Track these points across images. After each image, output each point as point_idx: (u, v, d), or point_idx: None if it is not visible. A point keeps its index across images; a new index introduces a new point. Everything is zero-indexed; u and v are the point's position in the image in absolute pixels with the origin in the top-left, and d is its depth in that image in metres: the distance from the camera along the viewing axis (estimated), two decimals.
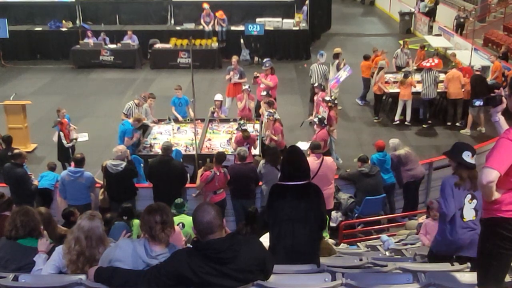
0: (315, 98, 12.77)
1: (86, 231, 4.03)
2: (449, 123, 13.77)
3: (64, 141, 10.96)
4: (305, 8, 21.89)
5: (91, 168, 9.56)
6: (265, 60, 14.21)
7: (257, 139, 10.98)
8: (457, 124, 13.68)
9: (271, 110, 11.26)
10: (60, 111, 11.27)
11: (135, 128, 10.62)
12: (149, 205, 3.79)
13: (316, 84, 13.00)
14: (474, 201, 4.83)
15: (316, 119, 10.86)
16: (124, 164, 8.83)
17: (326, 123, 10.79)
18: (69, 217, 7.27)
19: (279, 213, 4.42)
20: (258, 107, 12.71)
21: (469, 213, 4.86)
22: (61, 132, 10.91)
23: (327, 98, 11.79)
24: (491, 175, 3.38)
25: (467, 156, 4.84)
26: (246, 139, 10.24)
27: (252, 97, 12.53)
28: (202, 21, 20.30)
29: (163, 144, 9.42)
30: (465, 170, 4.85)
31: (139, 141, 11.02)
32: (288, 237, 4.38)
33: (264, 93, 12.33)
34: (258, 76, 13.34)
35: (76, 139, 11.32)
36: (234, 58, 14.12)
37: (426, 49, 18.08)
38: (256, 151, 10.57)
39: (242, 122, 11.27)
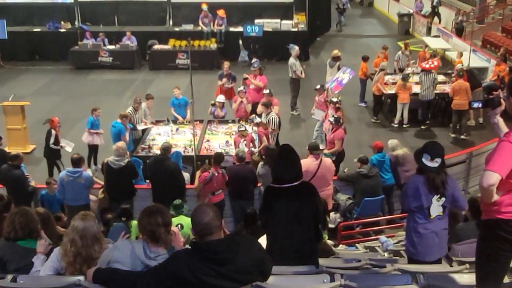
0: (316, 98, 12.79)
1: (80, 231, 4.02)
2: (453, 135, 13.35)
3: (52, 139, 10.83)
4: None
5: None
6: (253, 61, 14.32)
7: (255, 139, 10.98)
8: (462, 137, 13.23)
9: (250, 117, 11.69)
10: (96, 110, 11.46)
11: (125, 125, 10.83)
12: (146, 207, 3.76)
13: (318, 87, 13.02)
14: (443, 199, 4.81)
15: (332, 119, 10.81)
16: (126, 159, 8.93)
17: (342, 122, 10.76)
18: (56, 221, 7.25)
19: (275, 215, 4.42)
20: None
21: (436, 210, 4.82)
22: (52, 130, 10.87)
23: (335, 100, 11.75)
24: (492, 178, 3.37)
25: (425, 159, 4.80)
26: (242, 137, 10.35)
27: (248, 99, 12.54)
28: (200, 22, 20.29)
29: (162, 144, 9.49)
30: (425, 173, 4.81)
31: (140, 138, 11.28)
32: (285, 239, 4.37)
33: (267, 91, 12.33)
34: (247, 78, 13.37)
35: (62, 147, 11.12)
36: (226, 64, 13.99)
37: (430, 51, 18.06)
38: (255, 149, 10.59)
39: (240, 124, 11.21)
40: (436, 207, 4.82)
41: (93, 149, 11.56)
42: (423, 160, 4.80)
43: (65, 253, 3.99)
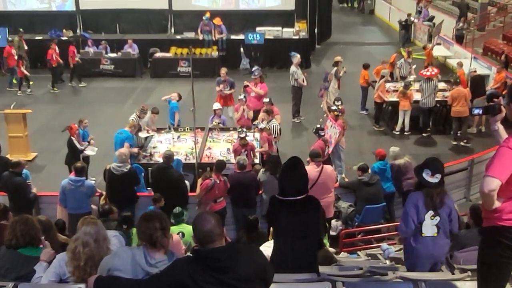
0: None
1: (94, 234, 4.08)
2: (454, 143, 13.38)
3: (78, 145, 10.84)
4: None
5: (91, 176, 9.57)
6: (253, 68, 14.34)
7: (257, 147, 10.96)
8: (462, 143, 13.29)
9: (255, 123, 11.62)
10: (82, 121, 11.36)
11: (133, 134, 10.71)
12: (145, 213, 3.78)
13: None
14: (437, 217, 4.78)
15: (314, 129, 10.81)
16: (129, 166, 8.96)
17: (322, 134, 10.72)
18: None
19: (278, 227, 4.42)
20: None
21: (429, 229, 4.81)
22: (72, 137, 10.88)
23: (333, 108, 11.70)
24: (492, 183, 3.38)
25: (426, 175, 4.79)
26: (243, 147, 10.23)
27: (249, 106, 12.55)
28: (199, 31, 20.31)
29: (165, 152, 9.53)
30: (425, 188, 4.80)
31: (143, 145, 11.27)
32: (288, 251, 4.38)
33: (267, 100, 12.34)
34: (248, 85, 13.38)
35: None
36: (223, 70, 14.03)
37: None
38: (256, 159, 10.56)
39: (240, 130, 11.19)
40: (429, 226, 4.80)
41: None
42: (424, 175, 4.81)
43: (76, 256, 3.99)
